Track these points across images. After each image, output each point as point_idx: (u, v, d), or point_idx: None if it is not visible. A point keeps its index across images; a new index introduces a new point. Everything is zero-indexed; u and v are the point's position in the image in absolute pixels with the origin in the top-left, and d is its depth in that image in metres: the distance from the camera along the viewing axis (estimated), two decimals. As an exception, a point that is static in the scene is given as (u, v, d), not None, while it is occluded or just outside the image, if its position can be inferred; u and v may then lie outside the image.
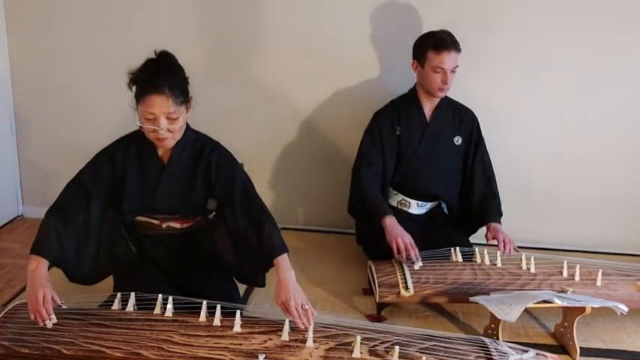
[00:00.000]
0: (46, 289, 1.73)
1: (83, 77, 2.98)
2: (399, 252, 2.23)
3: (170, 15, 2.86)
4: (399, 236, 2.26)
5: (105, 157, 1.98)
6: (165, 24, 2.86)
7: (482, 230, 2.57)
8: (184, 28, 2.86)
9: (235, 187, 1.97)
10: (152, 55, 1.89)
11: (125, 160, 1.98)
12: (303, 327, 1.72)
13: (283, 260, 1.83)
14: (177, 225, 2.09)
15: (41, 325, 1.72)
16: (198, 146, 2.01)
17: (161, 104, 1.81)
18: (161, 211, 2.05)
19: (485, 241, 2.55)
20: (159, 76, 1.82)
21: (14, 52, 2.99)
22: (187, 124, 2.00)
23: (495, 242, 2.37)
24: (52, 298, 1.74)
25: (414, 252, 2.24)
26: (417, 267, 2.25)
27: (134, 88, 1.87)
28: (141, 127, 1.88)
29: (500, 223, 2.46)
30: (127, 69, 1.87)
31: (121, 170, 1.97)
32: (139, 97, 1.83)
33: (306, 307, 1.74)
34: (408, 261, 2.26)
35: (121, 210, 2.00)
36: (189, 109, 1.93)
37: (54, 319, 1.74)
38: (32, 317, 1.72)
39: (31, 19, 2.93)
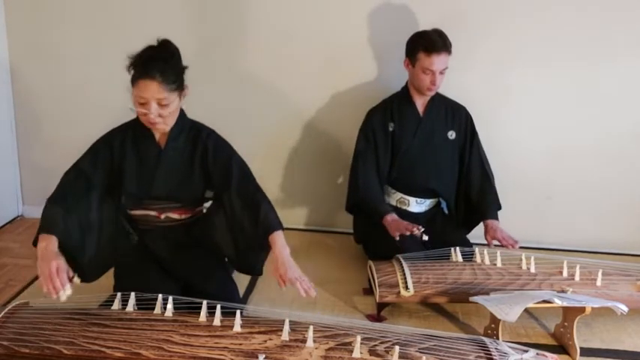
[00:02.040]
0: (59, 260, 1.73)
1: (83, 77, 2.98)
2: (410, 235, 2.26)
3: (170, 17, 2.86)
4: (401, 226, 2.30)
5: (102, 143, 2.01)
6: (166, 25, 2.84)
7: (483, 231, 2.57)
8: (183, 29, 2.85)
9: (232, 171, 2.01)
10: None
11: (122, 145, 2.00)
12: (304, 294, 1.73)
13: (279, 237, 1.88)
14: (175, 216, 2.10)
15: (54, 297, 1.69)
16: (194, 132, 2.05)
17: (152, 89, 1.84)
18: (160, 197, 2.06)
19: (485, 242, 2.55)
20: (153, 62, 1.85)
21: (14, 52, 2.99)
22: (184, 113, 2.02)
23: (494, 244, 2.40)
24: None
25: (415, 227, 2.27)
26: (426, 238, 2.29)
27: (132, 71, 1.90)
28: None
29: (497, 219, 2.49)
30: (125, 68, 1.90)
31: (119, 156, 2.00)
32: (133, 81, 1.88)
33: (304, 278, 1.77)
34: (418, 231, 2.27)
35: (120, 196, 2.02)
36: (183, 97, 1.95)
37: (68, 290, 1.71)
38: (45, 290, 1.69)
39: (31, 19, 2.93)
